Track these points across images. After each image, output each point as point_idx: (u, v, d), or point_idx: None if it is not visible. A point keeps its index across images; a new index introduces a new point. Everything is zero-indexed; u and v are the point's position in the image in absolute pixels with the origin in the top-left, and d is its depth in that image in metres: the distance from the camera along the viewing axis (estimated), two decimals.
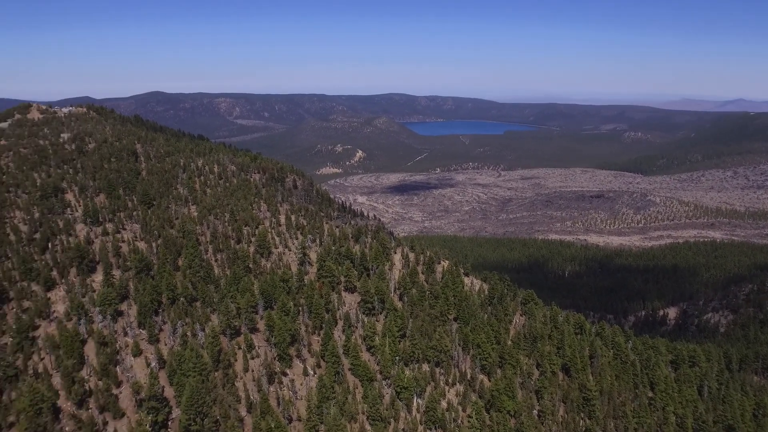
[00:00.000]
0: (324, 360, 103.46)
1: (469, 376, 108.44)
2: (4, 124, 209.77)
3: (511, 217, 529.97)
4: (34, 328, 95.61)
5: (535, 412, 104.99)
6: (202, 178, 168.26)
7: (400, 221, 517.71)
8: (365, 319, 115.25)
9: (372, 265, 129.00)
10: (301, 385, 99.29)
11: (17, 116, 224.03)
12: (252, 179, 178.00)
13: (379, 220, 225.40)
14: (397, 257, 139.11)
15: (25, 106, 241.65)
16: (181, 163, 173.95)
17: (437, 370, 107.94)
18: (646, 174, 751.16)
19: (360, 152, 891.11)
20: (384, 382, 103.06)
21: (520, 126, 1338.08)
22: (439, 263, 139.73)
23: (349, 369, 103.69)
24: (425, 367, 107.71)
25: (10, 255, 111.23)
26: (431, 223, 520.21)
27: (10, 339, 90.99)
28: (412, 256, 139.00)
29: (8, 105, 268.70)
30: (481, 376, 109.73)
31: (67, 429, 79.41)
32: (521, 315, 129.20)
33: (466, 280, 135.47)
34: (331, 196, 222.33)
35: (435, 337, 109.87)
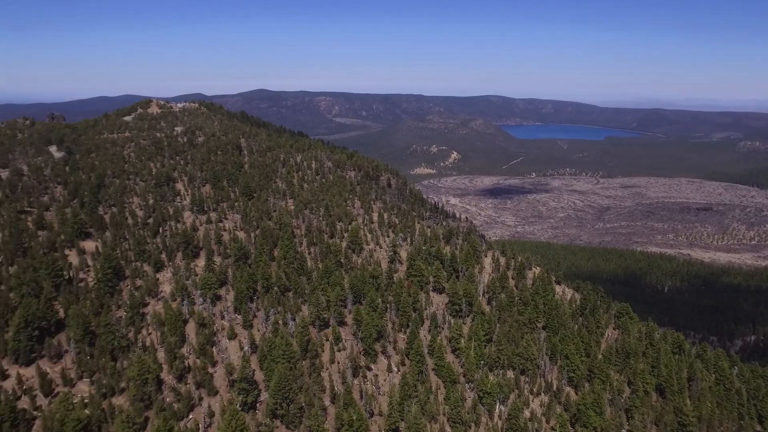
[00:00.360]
0: (408, 358, 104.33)
1: (555, 387, 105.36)
2: (129, 118, 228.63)
3: (608, 227, 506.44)
4: (144, 305, 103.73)
5: (623, 431, 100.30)
6: (300, 173, 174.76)
7: (492, 225, 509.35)
8: (452, 321, 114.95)
9: (461, 267, 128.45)
10: (385, 380, 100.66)
11: (139, 110, 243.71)
12: (347, 176, 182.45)
13: (471, 222, 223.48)
14: (487, 261, 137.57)
15: (147, 102, 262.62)
16: (281, 158, 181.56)
17: (522, 378, 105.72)
18: (762, 187, 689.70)
19: (455, 153, 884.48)
20: (467, 386, 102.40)
21: (622, 132, 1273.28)
22: (530, 269, 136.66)
23: (433, 369, 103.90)
24: (510, 373, 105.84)
25: (127, 237, 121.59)
26: (524, 228, 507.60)
27: (125, 313, 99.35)
28: (502, 260, 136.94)
29: (133, 100, 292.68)
30: (568, 389, 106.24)
31: (167, 400, 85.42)
32: (614, 328, 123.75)
33: (558, 289, 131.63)
34: (424, 196, 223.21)
35: (522, 344, 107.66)
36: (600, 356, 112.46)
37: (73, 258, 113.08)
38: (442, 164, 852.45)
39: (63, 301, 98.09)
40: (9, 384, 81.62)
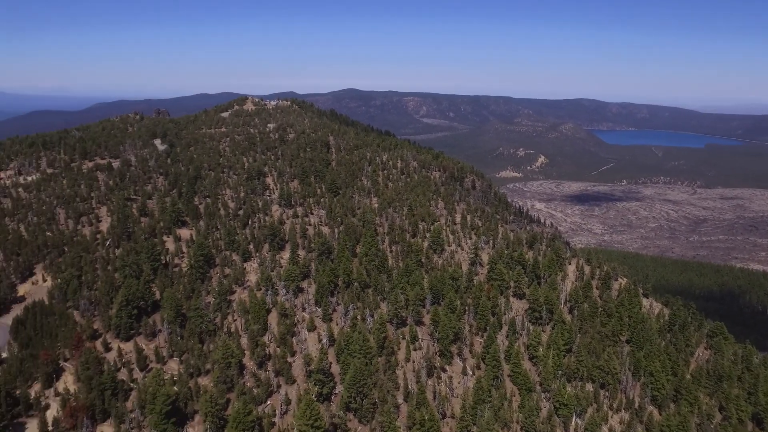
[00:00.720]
0: (484, 362, 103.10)
1: (636, 404, 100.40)
2: (226, 114, 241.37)
3: (703, 240, 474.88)
4: (231, 292, 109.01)
5: None
6: (385, 172, 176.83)
7: (578, 232, 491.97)
8: (531, 328, 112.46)
9: (544, 274, 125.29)
10: (459, 383, 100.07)
11: (236, 107, 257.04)
12: (432, 176, 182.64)
13: (556, 228, 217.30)
14: (571, 268, 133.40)
15: (243, 99, 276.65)
16: (368, 157, 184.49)
17: (602, 392, 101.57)
18: None
19: (542, 157, 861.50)
20: (543, 395, 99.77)
21: (724, 139, 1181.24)
22: (616, 280, 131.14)
23: (509, 375, 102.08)
24: (589, 386, 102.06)
25: (219, 227, 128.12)
26: (611, 237, 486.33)
27: (213, 299, 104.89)
28: (587, 269, 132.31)
29: (231, 98, 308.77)
30: (651, 408, 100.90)
31: (248, 384, 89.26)
32: (706, 348, 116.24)
33: (645, 302, 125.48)
34: (509, 200, 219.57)
35: (603, 357, 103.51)
36: (688, 376, 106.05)
37: (170, 244, 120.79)
38: (528, 168, 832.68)
39: (159, 284, 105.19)
40: (111, 356, 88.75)
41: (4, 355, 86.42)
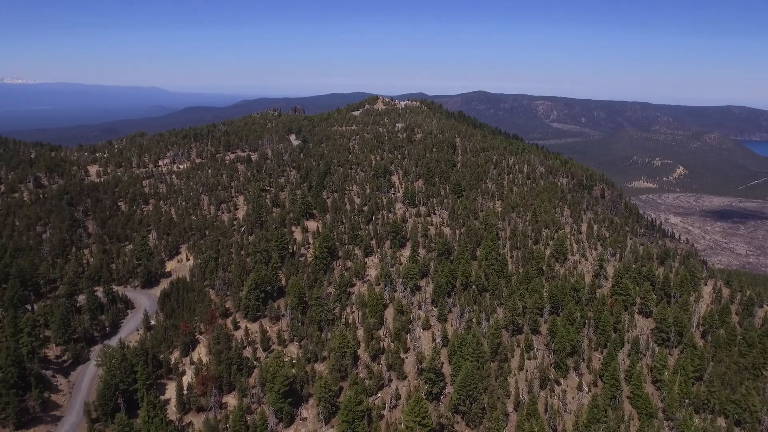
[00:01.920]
0: (602, 380, 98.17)
1: None
2: (357, 113, 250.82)
3: None
4: (351, 285, 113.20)
5: None
6: (510, 176, 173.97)
7: (717, 251, 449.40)
8: (656, 349, 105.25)
9: (675, 293, 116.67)
10: (573, 398, 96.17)
11: (366, 106, 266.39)
12: (559, 183, 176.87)
13: (692, 245, 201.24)
14: (706, 289, 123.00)
15: (374, 99, 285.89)
16: (494, 160, 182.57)
17: (736, 429, 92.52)
18: None
19: (681, 168, 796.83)
20: (665, 423, 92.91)
21: None
22: (761, 307, 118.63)
23: (628, 397, 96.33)
24: (720, 421, 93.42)
25: (344, 221, 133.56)
26: (758, 259, 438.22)
27: (334, 290, 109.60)
28: (726, 291, 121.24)
29: (362, 97, 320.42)
30: None
31: (360, 375, 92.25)
32: None
33: None
34: (641, 212, 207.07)
35: (740, 391, 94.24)
36: None
37: (298, 234, 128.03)
38: (664, 179, 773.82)
39: (285, 271, 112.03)
40: (239, 334, 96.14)
41: (153, 322, 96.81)
